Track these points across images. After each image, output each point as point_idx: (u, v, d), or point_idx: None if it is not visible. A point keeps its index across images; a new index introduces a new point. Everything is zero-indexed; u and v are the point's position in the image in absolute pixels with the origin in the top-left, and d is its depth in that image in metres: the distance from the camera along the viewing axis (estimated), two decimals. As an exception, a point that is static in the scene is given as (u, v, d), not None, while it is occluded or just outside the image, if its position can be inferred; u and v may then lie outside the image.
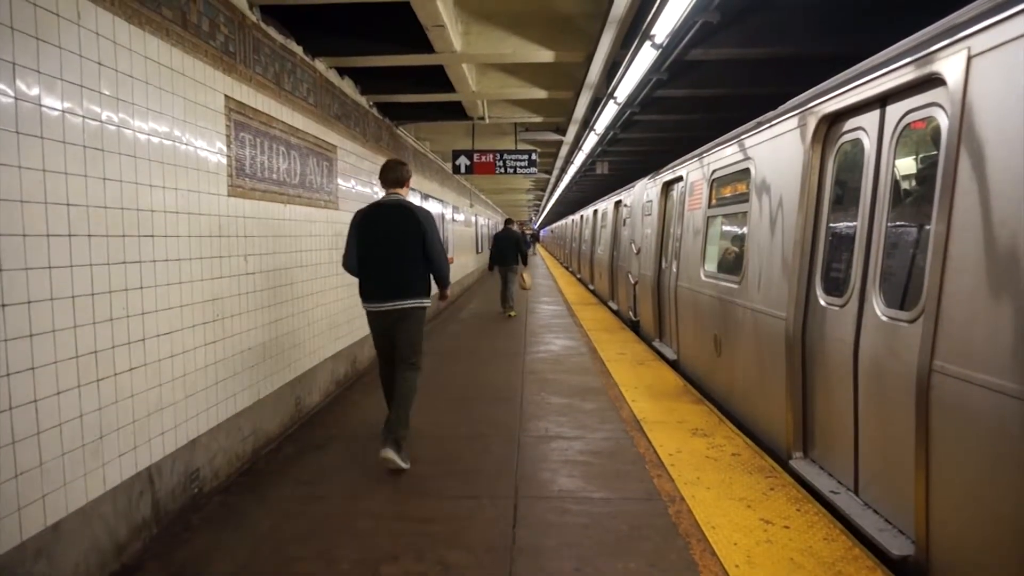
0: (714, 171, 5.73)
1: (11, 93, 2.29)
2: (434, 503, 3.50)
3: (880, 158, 3.20)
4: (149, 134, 3.11)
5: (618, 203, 11.66)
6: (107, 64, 2.80)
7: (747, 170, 4.83)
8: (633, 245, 9.46)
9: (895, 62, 2.98)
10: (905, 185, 3.12)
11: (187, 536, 3.16)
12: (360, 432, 4.77)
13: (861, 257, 3.29)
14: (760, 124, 4.69)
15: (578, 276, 20.33)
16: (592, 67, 5.82)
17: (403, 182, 4.32)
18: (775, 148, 4.33)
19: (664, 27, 4.30)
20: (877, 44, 3.50)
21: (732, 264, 5.24)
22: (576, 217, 21.97)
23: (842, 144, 3.60)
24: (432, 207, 11.00)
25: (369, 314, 4.20)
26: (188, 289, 3.45)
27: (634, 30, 4.83)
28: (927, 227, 2.77)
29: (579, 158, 11.55)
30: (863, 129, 3.38)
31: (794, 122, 4.03)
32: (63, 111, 2.54)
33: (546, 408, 5.30)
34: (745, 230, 4.79)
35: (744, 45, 5.49)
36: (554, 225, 42.34)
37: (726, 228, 5.57)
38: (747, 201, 4.78)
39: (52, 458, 2.48)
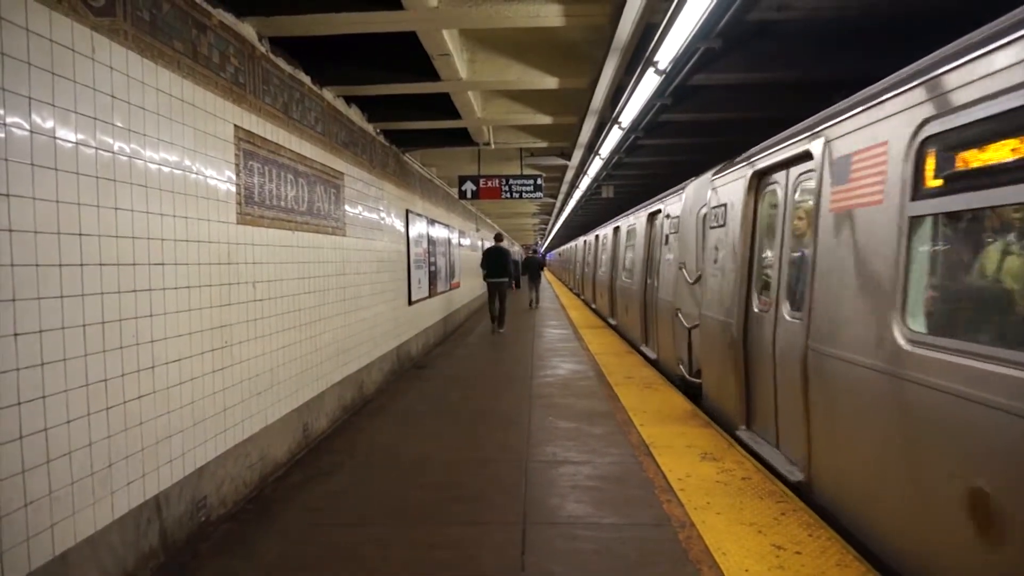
0: (925, 120, 2.75)
1: (27, 126, 2.34)
2: (442, 529, 3.48)
3: None
4: (160, 164, 3.16)
5: (653, 215, 9.07)
6: (120, 97, 2.86)
7: None
8: (684, 271, 6.74)
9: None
10: None
11: (195, 565, 3.14)
12: (367, 458, 4.76)
13: None
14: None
15: (592, 306, 16.93)
16: (596, 93, 5.88)
17: (502, 240, 12.82)
18: None
19: (667, 54, 4.35)
20: (881, 68, 3.51)
21: (992, 316, 2.59)
22: (589, 238, 18.26)
23: None
24: (438, 232, 11.41)
25: (488, 284, 12.29)
26: (197, 316, 3.47)
27: (637, 57, 4.89)
28: None
29: (584, 182, 11.61)
30: None
31: None
32: (77, 143, 2.59)
33: (554, 432, 5.27)
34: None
35: (747, 70, 5.54)
36: (561, 248, 42.03)
37: (955, 241, 2.76)
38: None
39: (61, 487, 2.48)
